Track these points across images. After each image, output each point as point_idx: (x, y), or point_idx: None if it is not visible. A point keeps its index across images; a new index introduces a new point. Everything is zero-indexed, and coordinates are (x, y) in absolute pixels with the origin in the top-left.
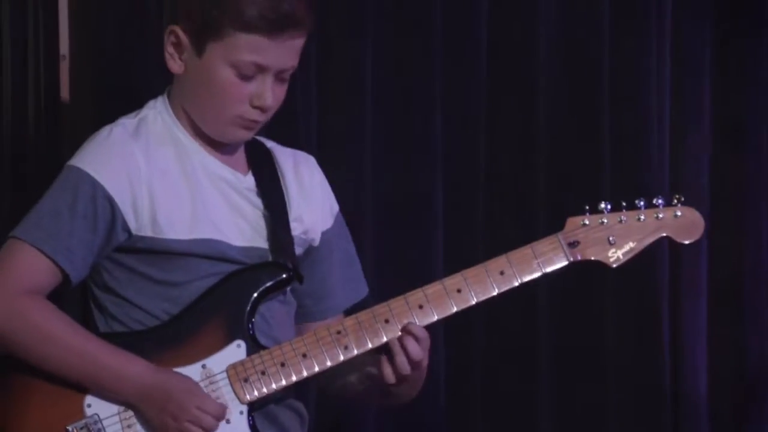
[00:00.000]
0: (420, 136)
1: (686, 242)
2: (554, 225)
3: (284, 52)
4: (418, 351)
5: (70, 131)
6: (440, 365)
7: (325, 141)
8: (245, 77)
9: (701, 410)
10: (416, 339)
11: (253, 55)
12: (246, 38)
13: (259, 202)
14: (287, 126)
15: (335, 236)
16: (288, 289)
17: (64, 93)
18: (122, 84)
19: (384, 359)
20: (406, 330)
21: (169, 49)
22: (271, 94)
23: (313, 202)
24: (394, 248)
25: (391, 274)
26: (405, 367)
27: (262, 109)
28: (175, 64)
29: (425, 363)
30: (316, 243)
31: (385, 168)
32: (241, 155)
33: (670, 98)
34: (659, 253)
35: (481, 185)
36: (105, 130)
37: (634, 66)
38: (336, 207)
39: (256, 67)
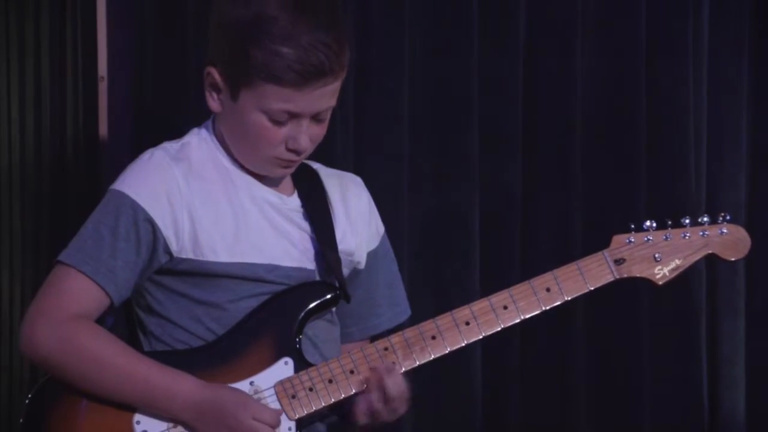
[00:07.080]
0: (457, 155)
1: (732, 259)
2: (589, 244)
3: (316, 99)
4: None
5: (109, 150)
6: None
7: (362, 159)
8: (278, 123)
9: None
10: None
11: (284, 104)
12: (274, 89)
13: (305, 223)
14: (324, 144)
15: (380, 257)
16: (334, 309)
17: (102, 113)
18: (160, 104)
19: (359, 398)
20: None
21: (207, 89)
22: (305, 137)
23: (359, 224)
24: (431, 267)
25: (428, 293)
26: (378, 404)
27: (297, 152)
28: (213, 103)
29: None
30: (362, 266)
31: (422, 186)
32: (287, 177)
33: (707, 117)
34: (697, 274)
35: (518, 204)
36: (147, 154)
37: (672, 85)
38: (382, 228)
39: (288, 114)
